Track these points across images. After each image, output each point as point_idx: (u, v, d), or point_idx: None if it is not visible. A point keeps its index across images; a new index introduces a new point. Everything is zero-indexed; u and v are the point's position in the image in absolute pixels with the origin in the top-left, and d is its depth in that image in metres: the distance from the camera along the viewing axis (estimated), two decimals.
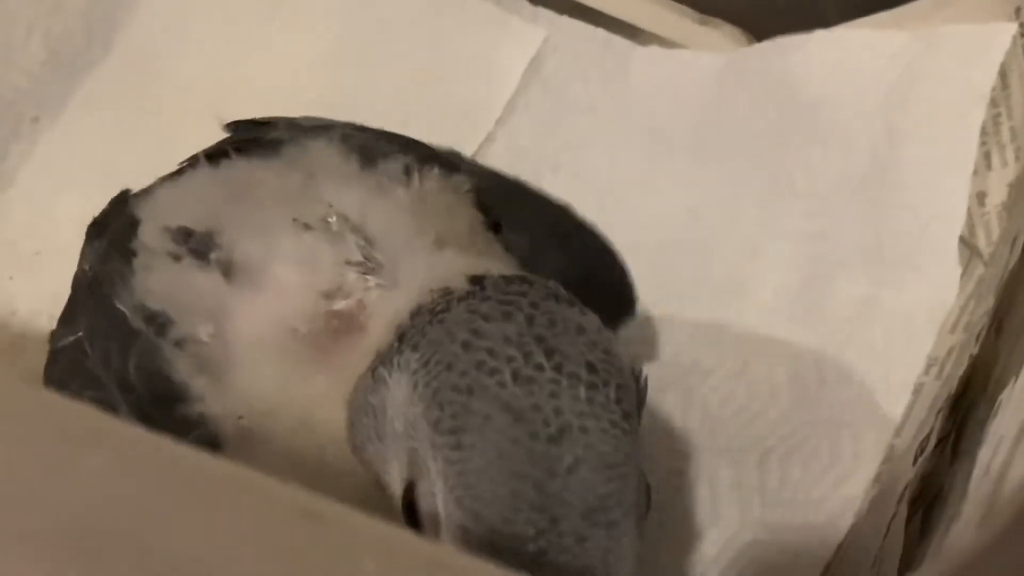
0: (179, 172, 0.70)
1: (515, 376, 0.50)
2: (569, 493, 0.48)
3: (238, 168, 0.69)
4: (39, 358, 0.75)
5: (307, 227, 0.60)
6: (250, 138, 0.71)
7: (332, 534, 0.29)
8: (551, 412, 0.49)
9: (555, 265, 0.68)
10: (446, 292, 0.55)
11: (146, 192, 0.70)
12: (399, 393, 0.52)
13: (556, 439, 0.48)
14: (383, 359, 0.54)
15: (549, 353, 0.50)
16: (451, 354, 0.51)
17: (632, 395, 0.53)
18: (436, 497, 0.50)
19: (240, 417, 0.59)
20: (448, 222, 0.64)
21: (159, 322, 0.61)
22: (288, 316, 0.57)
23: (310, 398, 0.57)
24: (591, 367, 0.51)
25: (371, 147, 0.68)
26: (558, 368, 0.50)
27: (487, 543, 0.47)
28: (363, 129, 0.71)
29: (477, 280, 0.55)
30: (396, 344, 0.54)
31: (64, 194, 0.98)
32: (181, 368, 0.60)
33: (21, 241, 0.97)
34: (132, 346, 0.62)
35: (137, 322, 0.62)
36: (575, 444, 0.48)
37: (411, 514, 0.52)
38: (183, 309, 0.60)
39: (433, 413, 0.50)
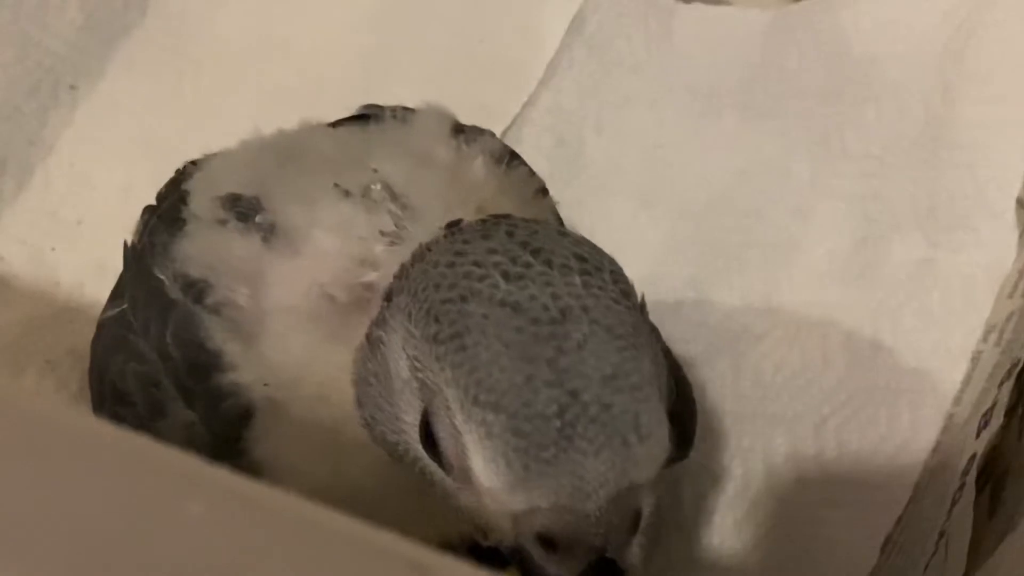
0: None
1: (505, 276, 0.48)
2: (584, 365, 0.46)
3: (295, 136, 0.68)
4: (84, 330, 0.74)
5: (347, 194, 0.59)
6: (364, 114, 0.70)
7: None
8: (549, 298, 0.48)
9: None
10: (429, 244, 0.53)
11: (202, 162, 0.69)
12: (396, 340, 0.51)
13: (559, 320, 0.47)
14: (376, 322, 0.53)
15: (536, 252, 0.49)
16: (437, 275, 0.50)
17: (627, 280, 0.51)
18: (452, 409, 0.48)
19: (265, 384, 0.58)
20: (498, 196, 0.62)
21: (197, 288, 0.60)
22: (325, 283, 0.56)
23: (331, 371, 0.56)
24: (580, 258, 0.50)
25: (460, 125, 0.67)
26: (548, 263, 0.49)
27: (512, 431, 0.46)
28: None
29: (453, 224, 0.54)
30: (385, 304, 0.53)
31: (105, 161, 0.97)
32: (216, 334, 0.59)
33: (62, 210, 0.96)
34: (170, 314, 0.61)
35: (175, 291, 0.61)
36: (579, 322, 0.47)
37: (430, 441, 0.50)
38: (222, 273, 0.60)
39: (431, 329, 0.48)
